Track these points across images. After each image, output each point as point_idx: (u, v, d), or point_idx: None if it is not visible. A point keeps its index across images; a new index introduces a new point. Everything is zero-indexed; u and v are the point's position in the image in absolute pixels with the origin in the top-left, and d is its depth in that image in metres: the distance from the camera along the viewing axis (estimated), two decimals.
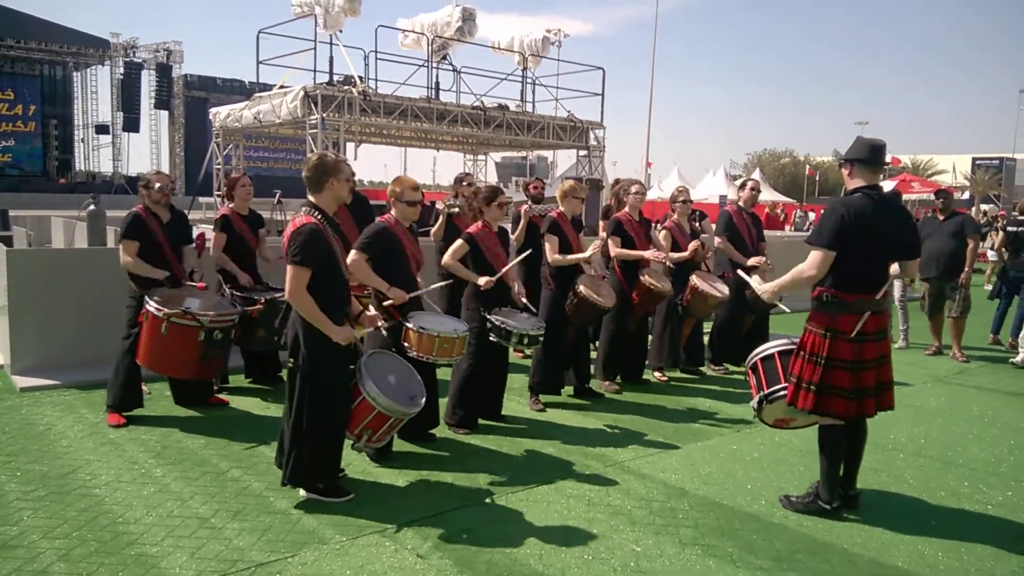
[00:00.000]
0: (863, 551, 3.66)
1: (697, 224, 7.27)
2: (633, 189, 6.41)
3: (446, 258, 5.22)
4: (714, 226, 9.77)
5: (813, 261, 3.79)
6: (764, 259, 7.00)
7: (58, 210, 18.75)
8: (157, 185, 5.28)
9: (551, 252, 5.80)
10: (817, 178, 52.13)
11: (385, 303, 4.54)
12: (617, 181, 7.02)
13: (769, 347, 4.22)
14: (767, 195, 45.57)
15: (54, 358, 6.24)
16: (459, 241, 5.23)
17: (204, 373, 5.27)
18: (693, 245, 6.71)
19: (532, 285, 5.81)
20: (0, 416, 5.28)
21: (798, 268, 3.90)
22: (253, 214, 6.14)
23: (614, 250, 6.24)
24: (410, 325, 4.53)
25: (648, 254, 6.20)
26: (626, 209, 6.38)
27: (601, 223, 6.58)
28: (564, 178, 6.85)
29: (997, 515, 4.15)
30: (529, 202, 7.03)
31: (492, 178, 22.40)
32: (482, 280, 5.08)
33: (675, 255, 6.67)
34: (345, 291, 4.07)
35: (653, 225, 6.90)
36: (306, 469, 3.96)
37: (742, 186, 7.49)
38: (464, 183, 7.17)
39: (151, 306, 4.91)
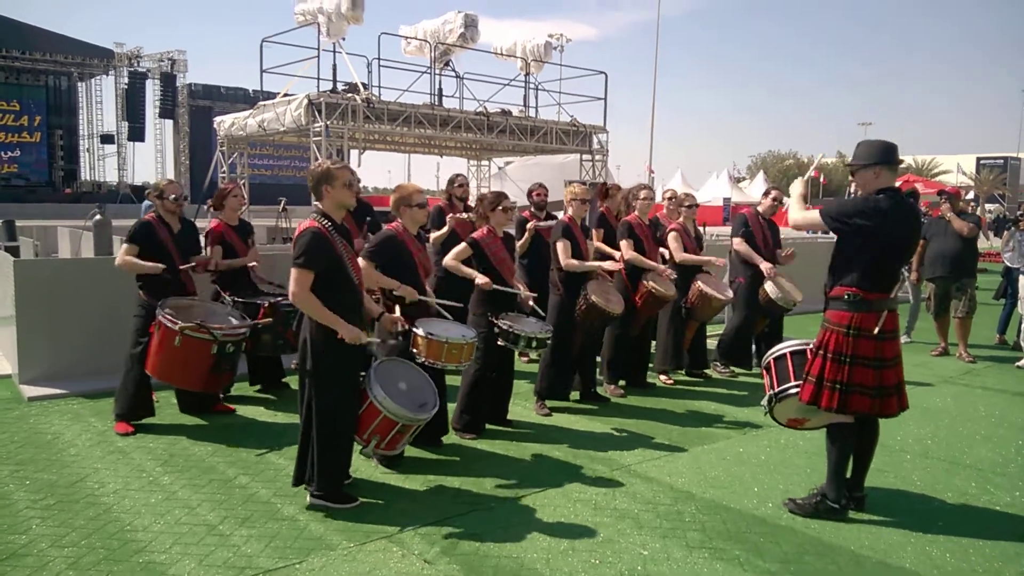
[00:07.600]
0: (871, 552, 3.65)
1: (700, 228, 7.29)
2: (642, 194, 6.47)
3: (448, 258, 5.21)
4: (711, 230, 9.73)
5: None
6: (789, 253, 7.13)
7: (64, 220, 18.85)
8: (172, 196, 5.31)
9: (564, 256, 5.80)
10: (822, 179, 52.03)
11: (395, 312, 4.53)
12: (610, 186, 6.99)
13: (783, 347, 4.31)
14: None
15: (61, 367, 6.27)
16: (463, 244, 5.23)
17: (212, 385, 5.26)
18: (712, 259, 6.83)
19: (541, 290, 5.81)
20: (9, 425, 5.32)
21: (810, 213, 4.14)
22: (243, 223, 6.16)
23: (628, 253, 6.26)
24: (418, 331, 4.54)
25: (659, 267, 6.29)
26: (635, 213, 6.43)
27: (594, 231, 6.54)
28: (567, 182, 6.78)
29: (1005, 516, 4.14)
30: (532, 208, 7.02)
31: (495, 183, 22.37)
32: (480, 279, 5.09)
33: (690, 257, 6.75)
34: (356, 296, 4.07)
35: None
36: (314, 472, 3.98)
37: (765, 194, 7.48)
38: (456, 184, 7.16)
39: (165, 318, 4.92)
